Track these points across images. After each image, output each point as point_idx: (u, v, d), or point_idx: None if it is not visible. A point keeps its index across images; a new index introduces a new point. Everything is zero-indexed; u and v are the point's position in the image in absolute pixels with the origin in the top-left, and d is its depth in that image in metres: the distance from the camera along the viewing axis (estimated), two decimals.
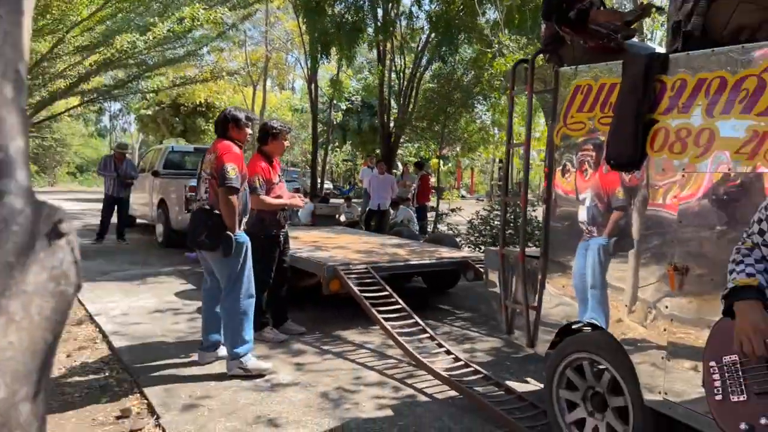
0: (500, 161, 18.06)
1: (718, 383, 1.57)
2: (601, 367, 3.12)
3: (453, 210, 12.35)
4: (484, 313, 6.47)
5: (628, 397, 2.94)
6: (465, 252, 7.70)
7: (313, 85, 19.53)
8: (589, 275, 3.17)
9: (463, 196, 32.16)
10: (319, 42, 12.19)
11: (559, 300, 3.40)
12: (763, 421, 1.44)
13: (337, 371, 4.53)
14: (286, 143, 5.24)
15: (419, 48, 15.07)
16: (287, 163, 37.94)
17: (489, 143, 17.21)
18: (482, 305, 6.76)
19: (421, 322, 5.00)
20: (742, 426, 1.48)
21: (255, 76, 28.65)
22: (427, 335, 4.91)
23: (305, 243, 7.28)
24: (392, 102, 16.02)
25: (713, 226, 2.55)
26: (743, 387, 1.50)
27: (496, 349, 5.29)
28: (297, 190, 12.07)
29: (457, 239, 9.37)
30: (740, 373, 1.52)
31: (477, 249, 9.48)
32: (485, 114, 17.22)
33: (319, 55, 12.98)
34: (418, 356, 4.41)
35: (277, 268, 5.26)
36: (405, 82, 15.29)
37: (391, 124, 15.19)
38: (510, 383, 4.25)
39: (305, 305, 6.38)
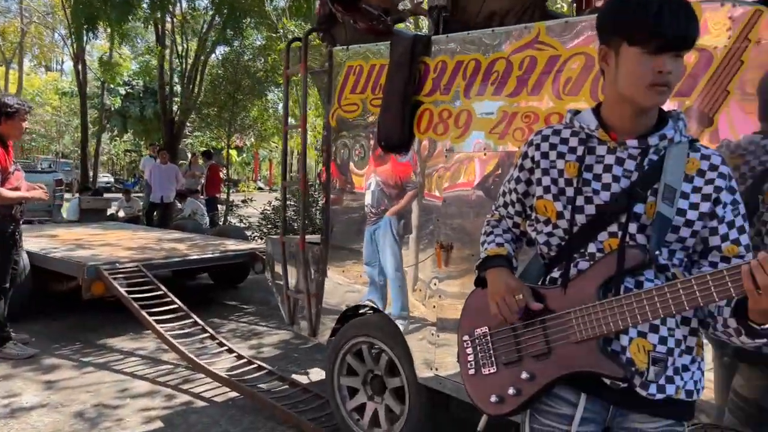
0: (299, 153, 17.94)
1: (470, 357, 1.55)
2: (379, 349, 3.10)
3: (245, 201, 11.89)
4: (274, 306, 6.23)
5: (404, 377, 2.95)
6: (254, 244, 7.40)
7: (80, 65, 17.34)
8: (366, 258, 3.13)
9: (260, 188, 31.52)
10: (83, 15, 10.76)
11: (340, 286, 3.32)
12: (511, 391, 1.44)
13: (99, 385, 3.95)
14: (25, 124, 4.42)
15: (203, 30, 14.22)
16: (57, 154, 33.48)
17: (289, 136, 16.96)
18: (272, 298, 6.53)
19: (200, 322, 4.61)
20: (493, 398, 1.47)
21: (8, 52, 24.63)
22: (207, 335, 4.54)
23: (64, 241, 6.33)
24: (177, 88, 14.92)
25: (473, 204, 2.64)
26: (493, 359, 1.49)
27: (285, 342, 5.11)
28: (60, 183, 10.58)
29: (248, 231, 9.01)
30: (490, 344, 1.51)
31: None
32: (279, 103, 16.94)
33: (84, 31, 11.48)
34: (195, 358, 4.03)
35: None
36: (189, 66, 14.32)
37: (175, 110, 14.14)
38: (296, 376, 4.10)
39: (66, 312, 5.53)
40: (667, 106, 1.44)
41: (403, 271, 2.94)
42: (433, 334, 2.79)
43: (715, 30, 1.85)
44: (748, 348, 1.29)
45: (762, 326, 1.20)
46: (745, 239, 1.36)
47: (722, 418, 1.91)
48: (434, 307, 2.79)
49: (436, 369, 2.77)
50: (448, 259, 2.74)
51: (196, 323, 4.61)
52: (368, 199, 3.13)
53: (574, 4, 2.75)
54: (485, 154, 2.58)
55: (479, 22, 2.88)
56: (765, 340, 1.23)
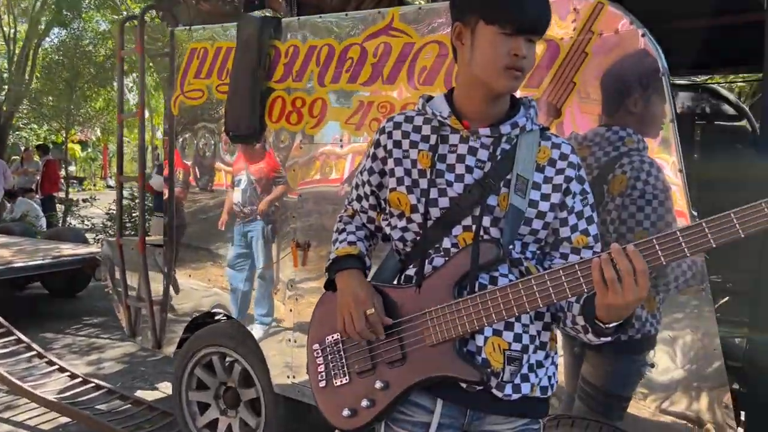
0: (156, 147, 16.65)
1: (321, 367, 1.40)
2: (232, 359, 2.85)
3: (86, 200, 10.78)
4: None
5: (259, 388, 2.74)
6: (95, 247, 6.67)
7: None
8: (229, 260, 2.86)
9: (110, 186, 29.07)
10: None
11: (188, 292, 3.01)
12: (364, 403, 1.30)
13: None
14: None
15: (35, 10, 12.70)
16: None
17: (135, 127, 15.73)
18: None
19: (24, 339, 4.01)
20: (345, 412, 1.33)
21: None
22: (34, 353, 3.96)
23: None
24: (6, 75, 13.20)
25: (330, 198, 2.49)
26: (345, 368, 1.35)
27: (130, 355, 4.63)
28: None
29: (91, 234, 8.16)
30: (342, 353, 1.36)
31: None
32: (130, 93, 15.68)
33: None
34: (15, 381, 3.48)
35: None
36: (17, 50, 12.71)
37: (1, 98, 12.49)
38: (141, 392, 3.71)
39: None
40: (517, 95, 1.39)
41: (258, 272, 2.72)
42: (290, 340, 2.61)
43: (561, 21, 1.86)
44: (603, 344, 1.26)
45: (607, 325, 1.17)
46: (593, 229, 1.35)
47: (572, 407, 1.93)
48: (291, 310, 2.61)
49: (294, 377, 2.59)
50: (305, 257, 2.56)
51: (20, 340, 4.01)
52: (231, 196, 2.85)
53: None
54: (341, 146, 2.44)
55: (335, 5, 2.73)
56: (610, 339, 1.21)
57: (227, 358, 2.88)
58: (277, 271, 2.66)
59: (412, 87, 2.22)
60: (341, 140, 2.44)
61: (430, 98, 1.42)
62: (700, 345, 1.76)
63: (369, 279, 1.44)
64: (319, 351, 1.41)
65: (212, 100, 2.89)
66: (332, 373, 1.37)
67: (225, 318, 3.00)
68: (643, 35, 1.73)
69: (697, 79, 3.51)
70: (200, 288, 2.95)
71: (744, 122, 3.27)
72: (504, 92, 1.30)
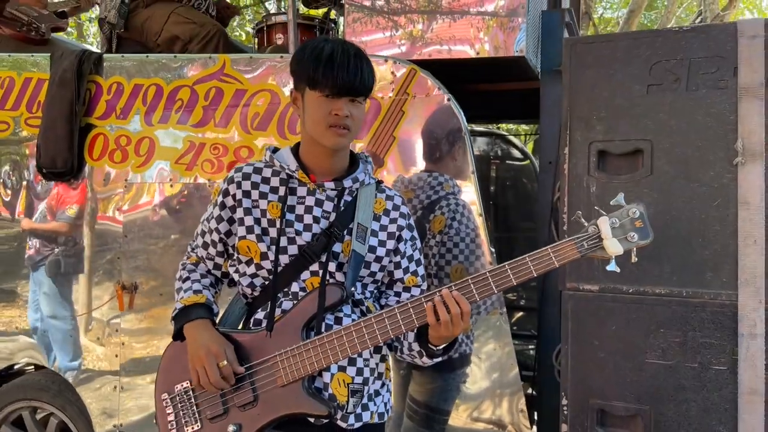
0: None
1: (171, 417, 1.43)
2: (46, 412, 2.63)
3: None
4: None
5: None
6: None
7: None
8: (31, 303, 2.63)
9: None
10: None
11: None
12: None
13: None
14: None
15: None
16: None
17: None
18: None
19: None
20: None
21: None
22: None
23: None
24: None
25: (160, 237, 2.46)
26: (197, 415, 1.40)
27: None
28: None
29: None
30: (193, 400, 1.41)
31: None
32: None
33: None
34: None
35: None
36: None
37: None
38: None
39: None
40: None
41: (82, 318, 2.56)
42: (116, 388, 2.49)
43: (381, 82, 2.11)
44: (427, 366, 1.49)
45: (438, 347, 1.40)
46: (421, 270, 1.58)
47: (401, 426, 2.16)
48: (116, 356, 2.50)
49: (121, 426, 2.48)
50: (131, 299, 2.49)
51: None
52: (29, 233, 2.64)
53: (256, 39, 2.81)
54: (171, 185, 2.43)
55: (159, 44, 2.72)
56: (441, 359, 1.45)
57: (39, 412, 2.65)
58: (104, 314, 2.54)
59: (245, 131, 2.32)
60: (171, 179, 2.43)
61: (276, 150, 1.55)
62: (500, 357, 2.10)
63: (217, 322, 1.52)
64: (168, 400, 1.44)
65: (19, 134, 2.68)
66: (183, 420, 1.42)
67: (34, 368, 2.76)
68: (448, 99, 2.05)
69: (492, 127, 4.10)
70: (13, 335, 2.69)
71: (528, 162, 3.90)
72: (333, 148, 1.45)
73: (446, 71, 2.22)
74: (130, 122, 2.49)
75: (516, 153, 3.75)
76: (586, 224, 1.32)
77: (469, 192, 2.03)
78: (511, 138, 3.69)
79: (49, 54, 2.62)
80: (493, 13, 2.11)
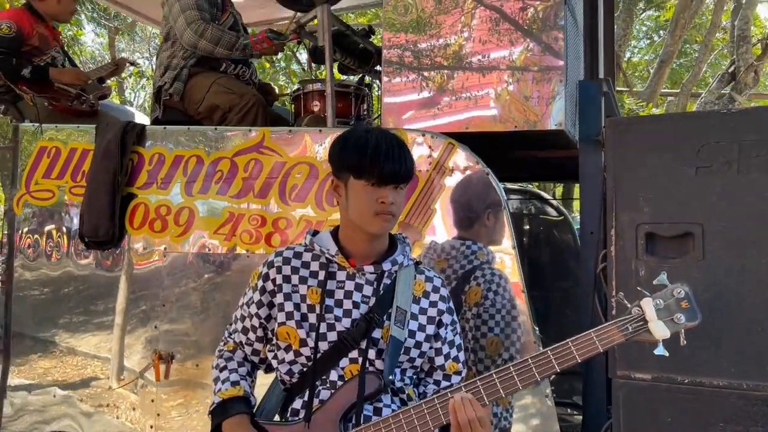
0: None
1: None
2: None
3: None
4: None
5: None
6: None
7: None
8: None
9: None
10: None
11: (29, 404, 2.73)
12: None
13: None
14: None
15: None
16: None
17: None
18: None
19: None
20: None
21: None
22: None
23: None
24: None
25: (198, 307, 2.46)
26: None
27: None
28: None
29: None
30: None
31: None
32: None
33: None
34: None
35: None
36: None
37: None
38: None
39: None
40: None
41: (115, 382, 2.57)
42: None
43: (419, 156, 2.12)
44: None
45: None
46: (462, 355, 1.56)
47: None
48: (151, 427, 2.49)
49: None
50: (167, 369, 2.48)
51: None
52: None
53: (293, 106, 2.87)
54: (212, 256, 2.45)
55: (201, 112, 2.79)
56: None
57: None
58: (142, 382, 2.54)
59: (284, 203, 2.34)
60: (209, 250, 2.45)
61: (316, 233, 1.56)
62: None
63: (255, 410, 1.50)
64: None
65: (64, 202, 2.75)
66: None
67: None
68: (487, 174, 2.03)
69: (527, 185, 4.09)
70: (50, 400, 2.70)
71: (562, 218, 3.85)
72: (378, 234, 1.47)
73: (483, 141, 2.21)
74: (171, 192, 2.53)
75: (550, 209, 3.72)
76: (629, 306, 1.28)
77: (509, 268, 2.00)
78: (545, 195, 3.66)
79: (94, 126, 2.71)
80: (531, 85, 2.11)
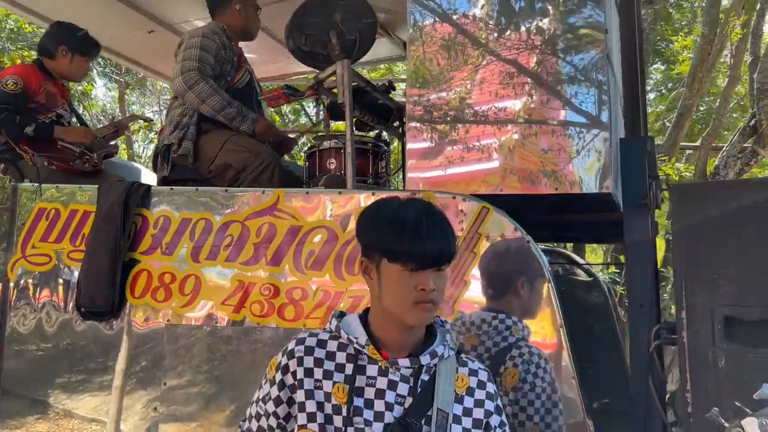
0: None
1: None
2: None
3: None
4: None
5: None
6: None
7: None
8: None
9: None
10: None
11: None
12: None
13: None
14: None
15: None
16: None
17: None
18: None
19: None
20: None
21: None
22: None
23: None
24: None
25: (203, 389, 2.21)
26: None
27: None
28: None
29: None
30: None
31: None
32: None
33: None
34: None
35: None
36: None
37: None
38: None
39: None
40: None
41: None
42: None
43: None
44: None
45: None
46: None
47: None
48: None
49: None
50: None
51: None
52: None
53: (307, 164, 2.70)
54: (217, 329, 2.23)
55: (212, 171, 2.63)
56: None
57: None
58: None
59: (299, 271, 2.13)
60: (216, 322, 2.23)
61: (341, 315, 1.35)
62: None
63: None
64: None
65: (61, 268, 2.55)
66: None
67: None
68: (528, 242, 1.83)
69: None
70: None
71: (592, 279, 3.62)
72: (417, 325, 1.28)
73: (519, 204, 2.02)
74: (176, 258, 2.33)
75: (580, 272, 3.49)
76: (726, 425, 1.04)
77: (557, 350, 1.76)
78: (575, 257, 3.44)
79: (96, 186, 2.54)
80: (572, 144, 1.93)
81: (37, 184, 2.66)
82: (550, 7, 1.96)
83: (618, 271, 5.84)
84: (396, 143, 3.28)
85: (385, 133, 3.05)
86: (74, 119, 3.24)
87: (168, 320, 2.30)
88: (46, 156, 2.76)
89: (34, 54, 6.89)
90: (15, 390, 2.54)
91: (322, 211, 2.15)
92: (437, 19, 2.17)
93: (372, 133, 3.11)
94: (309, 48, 2.29)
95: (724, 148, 5.73)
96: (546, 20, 1.95)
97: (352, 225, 2.07)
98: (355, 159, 2.63)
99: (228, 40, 2.78)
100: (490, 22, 2.06)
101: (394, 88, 2.55)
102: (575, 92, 1.91)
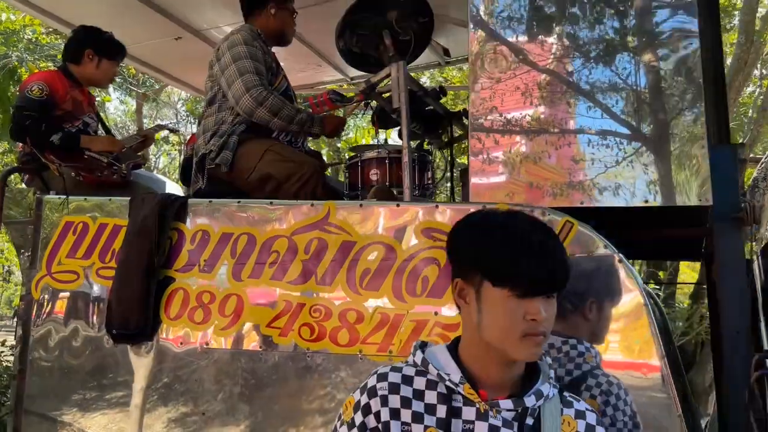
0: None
1: None
2: None
3: None
4: None
5: None
6: None
7: None
8: None
9: None
10: None
11: None
12: None
13: None
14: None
15: None
16: None
17: None
18: None
19: None
20: None
21: None
22: None
23: None
24: None
25: (246, 422, 2.02)
26: None
27: None
28: None
29: None
30: None
31: None
32: None
33: None
34: None
35: None
36: None
37: None
38: None
39: None
40: None
41: None
42: None
43: None
44: None
45: None
46: None
47: None
48: None
49: None
50: None
51: None
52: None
53: (347, 175, 2.52)
54: (262, 353, 2.04)
55: (250, 182, 2.45)
56: None
57: None
58: None
59: (354, 291, 1.94)
60: (262, 346, 2.04)
61: (425, 345, 1.16)
62: None
63: None
64: None
65: (89, 286, 2.38)
66: None
67: None
68: (619, 261, 1.63)
69: None
70: None
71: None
72: (524, 361, 1.11)
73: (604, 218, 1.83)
74: (216, 276, 2.15)
75: None
76: None
77: (658, 383, 1.56)
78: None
79: (128, 198, 2.37)
80: (664, 151, 1.74)
81: (63, 196, 2.50)
82: (636, 13, 1.80)
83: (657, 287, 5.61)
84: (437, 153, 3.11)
85: (426, 143, 2.88)
86: (100, 128, 3.09)
87: (206, 344, 2.11)
88: (73, 166, 2.60)
89: (50, 65, 6.82)
90: (38, 411, 2.36)
91: (378, 226, 1.97)
92: (500, 25, 2.00)
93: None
94: (360, 49, 2.12)
95: (762, 160, 5.52)
96: (635, 25, 1.79)
97: (412, 240, 1.88)
98: (399, 170, 2.48)
99: (264, 45, 2.62)
100: (572, 28, 1.88)
101: (445, 94, 2.37)
102: (669, 98, 1.73)
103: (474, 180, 1.93)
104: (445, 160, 2.73)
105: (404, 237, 1.89)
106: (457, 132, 2.76)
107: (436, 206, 1.88)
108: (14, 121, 2.65)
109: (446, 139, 2.75)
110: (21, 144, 2.76)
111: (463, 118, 2.66)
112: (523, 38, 1.94)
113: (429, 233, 1.86)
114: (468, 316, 1.13)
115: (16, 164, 3.04)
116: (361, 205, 2.02)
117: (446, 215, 1.84)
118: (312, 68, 3.85)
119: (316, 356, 1.94)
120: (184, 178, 3.47)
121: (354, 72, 4.19)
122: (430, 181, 2.64)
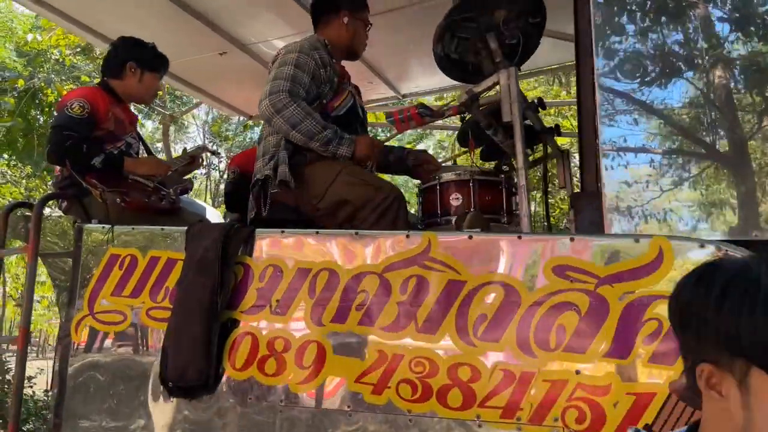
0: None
1: None
2: None
3: None
4: None
5: None
6: None
7: None
8: None
9: None
10: None
11: None
12: None
13: None
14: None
15: None
16: None
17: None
18: None
19: None
20: None
21: None
22: None
23: None
24: None
25: None
26: None
27: None
28: None
29: None
30: None
31: None
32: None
33: None
34: None
35: None
36: None
37: None
38: None
39: None
40: None
41: None
42: None
43: None
44: None
45: None
46: None
47: None
48: None
49: None
50: None
51: None
52: None
53: (421, 201, 2.20)
54: (352, 414, 1.70)
55: (320, 208, 2.14)
56: None
57: None
58: None
59: (467, 342, 1.61)
60: (349, 406, 1.70)
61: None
62: None
63: None
64: None
65: (139, 329, 2.06)
66: None
67: None
68: None
69: None
70: None
71: None
72: None
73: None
74: (291, 319, 1.83)
75: None
76: None
77: None
78: None
79: (184, 228, 2.07)
80: None
81: (107, 225, 2.20)
82: None
83: None
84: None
85: (505, 165, 2.56)
86: (142, 149, 2.81)
87: (282, 400, 1.78)
88: (118, 191, 2.31)
89: (75, 87, 6.62)
90: None
91: (493, 262, 1.64)
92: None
93: (488, 164, 2.61)
94: (458, 56, 1.82)
95: None
96: None
97: (541, 281, 1.56)
98: (484, 193, 2.18)
99: (329, 57, 2.34)
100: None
101: (544, 107, 2.06)
102: None
103: (609, 211, 1.61)
104: (543, 183, 2.41)
105: (530, 276, 1.56)
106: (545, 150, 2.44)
107: (571, 239, 1.55)
108: (52, 142, 2.37)
109: (532, 159, 2.43)
110: (58, 168, 2.48)
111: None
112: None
113: (563, 272, 1.53)
114: (722, 412, 0.80)
115: (50, 190, 2.75)
116: (470, 237, 1.69)
117: (587, 250, 1.52)
118: (363, 85, 3.56)
119: (421, 421, 1.60)
120: (231, 204, 3.18)
121: (406, 89, 3.93)
122: (516, 206, 2.32)
